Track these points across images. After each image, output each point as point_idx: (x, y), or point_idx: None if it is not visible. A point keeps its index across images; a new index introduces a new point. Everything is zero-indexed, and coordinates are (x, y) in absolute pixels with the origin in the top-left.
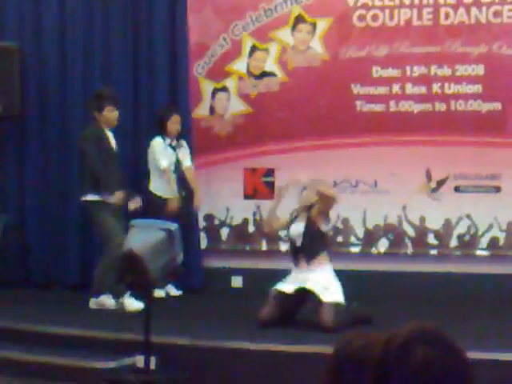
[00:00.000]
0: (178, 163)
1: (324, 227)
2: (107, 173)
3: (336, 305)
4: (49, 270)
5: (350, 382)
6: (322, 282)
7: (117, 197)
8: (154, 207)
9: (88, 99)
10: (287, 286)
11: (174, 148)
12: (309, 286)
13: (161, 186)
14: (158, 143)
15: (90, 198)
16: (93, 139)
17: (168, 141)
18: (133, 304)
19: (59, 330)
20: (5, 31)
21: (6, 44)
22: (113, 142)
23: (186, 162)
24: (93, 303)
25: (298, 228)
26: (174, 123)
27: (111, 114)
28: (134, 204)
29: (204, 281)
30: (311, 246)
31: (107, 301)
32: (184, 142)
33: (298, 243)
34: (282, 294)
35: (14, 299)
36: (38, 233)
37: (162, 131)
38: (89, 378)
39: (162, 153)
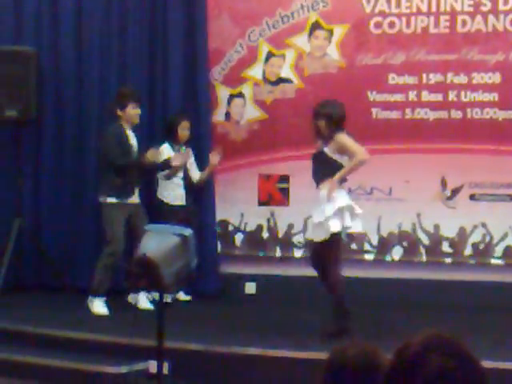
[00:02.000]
0: (186, 171)
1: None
2: (126, 172)
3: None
4: (61, 273)
5: None
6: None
7: (148, 155)
8: (163, 214)
9: (108, 102)
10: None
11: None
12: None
13: (169, 193)
14: (166, 149)
15: (108, 200)
16: (113, 138)
17: (177, 148)
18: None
19: (72, 334)
20: (22, 36)
21: (22, 49)
22: (134, 142)
23: (195, 174)
24: (131, 298)
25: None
26: (183, 129)
27: (133, 111)
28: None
29: (217, 287)
30: (319, 171)
31: (142, 300)
32: (190, 150)
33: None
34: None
35: (27, 303)
36: (52, 237)
37: (172, 138)
38: (101, 382)
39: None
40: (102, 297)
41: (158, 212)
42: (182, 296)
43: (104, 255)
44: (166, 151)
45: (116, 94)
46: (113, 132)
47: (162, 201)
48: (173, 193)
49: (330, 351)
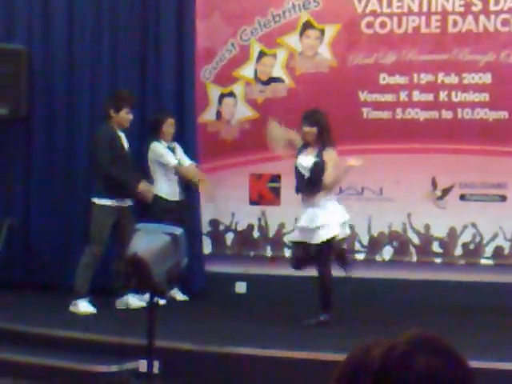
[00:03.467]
0: (178, 166)
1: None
2: (124, 174)
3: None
4: (51, 272)
5: None
6: (320, 221)
7: (142, 187)
8: (157, 210)
9: (106, 98)
10: (295, 235)
11: (172, 150)
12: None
13: (165, 189)
14: (159, 145)
15: (100, 201)
16: (106, 142)
17: (165, 144)
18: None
19: (62, 333)
20: (13, 34)
21: (14, 47)
22: (125, 143)
23: (186, 161)
24: (119, 303)
25: (307, 161)
26: (169, 126)
27: (127, 115)
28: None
29: (206, 286)
30: (317, 181)
31: (133, 301)
32: (177, 145)
33: (307, 175)
34: (295, 243)
35: (15, 301)
36: (42, 235)
37: (158, 135)
38: (91, 381)
39: (166, 152)
40: (85, 297)
41: (152, 208)
42: (179, 296)
43: (85, 255)
44: (160, 147)
45: (113, 96)
46: (105, 134)
47: (159, 196)
48: (171, 189)
49: (351, 349)
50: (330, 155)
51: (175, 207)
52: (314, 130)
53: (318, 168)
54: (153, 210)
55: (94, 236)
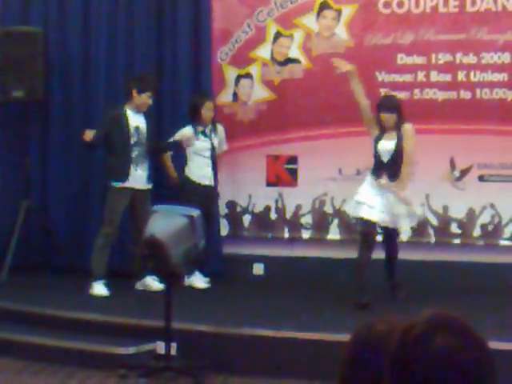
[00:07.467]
0: (213, 150)
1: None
2: (113, 156)
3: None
4: (69, 254)
5: (367, 368)
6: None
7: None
8: (188, 191)
9: (130, 79)
10: (372, 214)
11: (207, 135)
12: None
13: (196, 171)
14: (184, 129)
15: (111, 183)
16: (108, 121)
17: (200, 128)
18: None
19: (79, 315)
20: (29, 16)
21: (30, 29)
22: (140, 124)
23: (222, 146)
24: (139, 285)
25: (387, 145)
26: (207, 110)
27: (148, 100)
28: None
29: (223, 268)
30: (397, 165)
31: (152, 282)
32: (220, 127)
33: (385, 160)
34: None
35: (34, 283)
36: (60, 218)
37: (196, 119)
38: (109, 363)
39: (180, 133)
40: (100, 279)
41: (183, 190)
42: (199, 284)
43: (98, 237)
44: (187, 133)
45: (138, 77)
46: (111, 114)
47: (190, 178)
48: (201, 172)
49: (356, 327)
50: (407, 130)
51: (206, 190)
52: (394, 116)
53: (400, 152)
54: (182, 192)
55: (106, 217)
